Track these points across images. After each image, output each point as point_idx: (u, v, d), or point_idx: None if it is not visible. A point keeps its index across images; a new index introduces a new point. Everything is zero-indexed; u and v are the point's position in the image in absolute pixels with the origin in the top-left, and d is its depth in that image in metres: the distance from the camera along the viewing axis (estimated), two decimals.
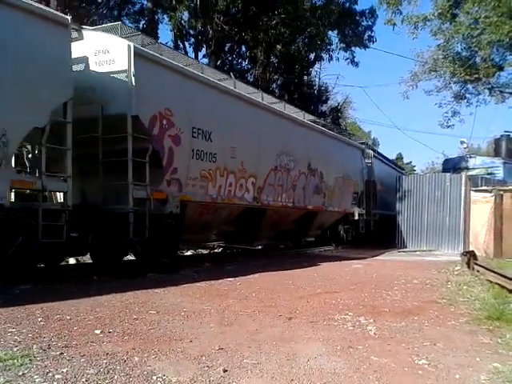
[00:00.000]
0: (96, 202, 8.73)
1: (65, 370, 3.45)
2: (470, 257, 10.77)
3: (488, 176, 20.57)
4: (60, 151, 7.61)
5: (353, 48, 25.56)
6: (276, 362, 3.89)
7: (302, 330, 4.95)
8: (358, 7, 24.96)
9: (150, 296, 6.55)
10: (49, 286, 7.08)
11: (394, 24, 17.84)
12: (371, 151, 20.95)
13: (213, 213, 11.12)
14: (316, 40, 22.95)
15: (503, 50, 19.03)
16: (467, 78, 19.77)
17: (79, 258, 11.08)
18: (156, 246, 9.20)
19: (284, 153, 13.39)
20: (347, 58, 25.90)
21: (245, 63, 26.33)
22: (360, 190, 18.87)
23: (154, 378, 3.43)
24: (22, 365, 3.48)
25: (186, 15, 22.02)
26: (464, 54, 19.83)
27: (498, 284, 7.56)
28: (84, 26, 9.01)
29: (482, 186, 17.19)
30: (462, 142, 32.11)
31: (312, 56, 26.14)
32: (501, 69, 19.99)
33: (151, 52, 9.48)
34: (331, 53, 25.87)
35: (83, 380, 3.30)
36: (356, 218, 18.28)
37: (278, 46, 23.00)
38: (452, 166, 23.47)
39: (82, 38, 8.35)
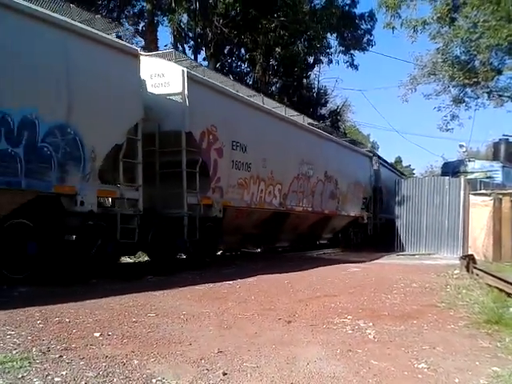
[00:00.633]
0: (154, 207, 9.66)
1: (64, 373, 3.45)
2: (469, 260, 10.77)
3: (487, 180, 20.59)
4: (132, 164, 8.81)
5: (352, 51, 25.60)
6: (275, 366, 3.89)
7: (301, 334, 4.94)
8: (358, 10, 24.98)
9: (149, 299, 6.54)
10: (48, 289, 7.07)
11: (393, 27, 17.86)
12: (378, 159, 22.20)
13: (245, 217, 12.42)
14: (315, 43, 23.00)
15: (502, 53, 19.07)
16: (466, 81, 19.81)
17: None
18: (202, 246, 10.62)
19: (305, 162, 14.78)
20: (346, 62, 25.99)
21: (244, 66, 26.37)
22: (369, 195, 20.13)
23: (154, 380, 3.43)
24: (21, 367, 3.48)
25: (185, 17, 22.13)
26: (463, 57, 19.87)
27: (497, 288, 7.56)
28: (141, 52, 9.84)
29: (480, 189, 17.21)
30: (460, 146, 32.16)
31: (311, 59, 26.18)
32: (499, 72, 20.02)
33: (200, 75, 10.87)
34: (330, 56, 26.01)
35: (83, 383, 3.30)
36: (365, 221, 19.59)
37: (277, 48, 23.04)
38: (451, 169, 23.50)
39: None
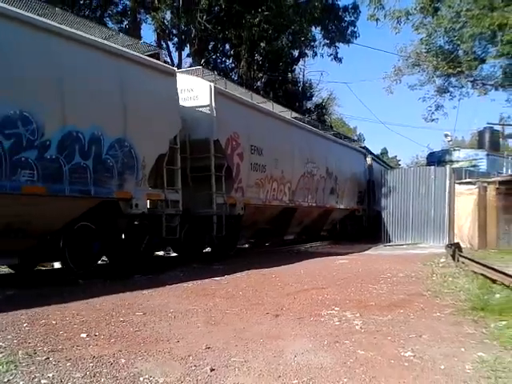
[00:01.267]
0: (187, 207, 10.45)
1: (51, 375, 3.45)
2: (454, 249, 10.86)
3: (472, 168, 20.75)
4: (173, 170, 9.97)
5: (336, 44, 25.63)
6: (263, 360, 3.91)
7: (288, 327, 4.97)
8: (341, 2, 25.41)
9: (136, 298, 6.54)
10: (34, 291, 7.04)
11: (377, 19, 17.81)
12: (370, 155, 23.57)
13: (260, 213, 13.52)
14: (299, 37, 23.01)
15: (485, 42, 19.11)
16: (450, 71, 19.84)
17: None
18: (226, 241, 12.00)
19: (310, 161, 16.02)
20: (331, 54, 26.04)
21: (229, 62, 26.31)
22: (363, 188, 21.22)
23: (141, 379, 3.43)
24: (7, 371, 3.47)
25: (168, 15, 21.96)
26: (446, 47, 19.88)
27: (483, 275, 7.65)
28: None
29: (466, 178, 17.34)
30: (445, 135, 32.43)
31: (296, 53, 26.19)
32: (483, 61, 20.09)
33: (224, 88, 12.02)
34: (315, 49, 26.09)
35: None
36: (360, 213, 20.77)
37: (261, 43, 23.01)
38: (436, 159, 23.63)
39: None
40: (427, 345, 4.36)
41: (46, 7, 7.97)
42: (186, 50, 24.07)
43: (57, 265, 11.01)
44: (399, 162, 59.93)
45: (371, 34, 70.09)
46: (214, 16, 21.81)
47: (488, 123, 26.62)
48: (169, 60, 20.89)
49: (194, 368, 3.69)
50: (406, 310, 5.81)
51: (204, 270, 9.60)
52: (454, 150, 24.70)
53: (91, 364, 3.70)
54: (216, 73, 13.56)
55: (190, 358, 3.92)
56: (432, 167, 18.63)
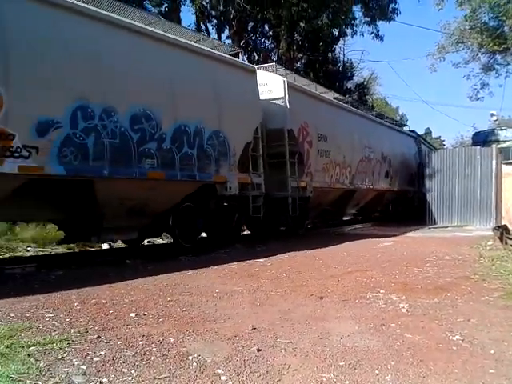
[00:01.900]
0: (265, 190, 11.43)
1: (103, 353, 3.55)
2: (502, 231, 10.60)
3: None
4: (256, 156, 11.19)
5: (377, 22, 25.02)
6: (309, 341, 3.93)
7: (333, 309, 4.97)
8: None
9: (182, 278, 6.65)
10: (83, 271, 7.25)
11: None
12: (420, 138, 25.02)
13: (324, 195, 14.59)
14: (339, 15, 22.51)
15: None
16: (495, 48, 19.21)
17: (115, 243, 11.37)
18: (298, 221, 13.36)
19: (367, 146, 17.20)
20: (372, 33, 25.37)
21: (268, 42, 26.02)
22: (414, 171, 21.82)
23: (190, 358, 3.50)
24: (60, 348, 3.58)
25: None
26: (491, 23, 19.24)
27: None
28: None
29: None
30: (491, 115, 31.39)
31: (336, 32, 25.67)
32: None
33: (294, 83, 13.38)
34: (355, 28, 25.46)
35: (121, 362, 3.39)
36: (411, 195, 21.46)
37: (301, 23, 22.63)
38: (482, 139, 22.91)
39: None
40: (476, 329, 4.28)
41: None
42: (226, 32, 24.02)
43: (105, 245, 11.35)
44: (443, 143, 58.50)
45: (413, 11, 68.33)
46: None
47: None
48: None
49: (241, 348, 3.74)
50: (453, 293, 5.71)
51: (247, 252, 9.67)
52: (501, 129, 23.85)
53: (141, 343, 3.80)
54: (285, 68, 14.34)
55: (237, 338, 3.98)
56: (478, 147, 18.09)
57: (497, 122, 30.82)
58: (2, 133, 6.27)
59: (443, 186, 17.35)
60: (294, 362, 3.47)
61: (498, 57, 21.22)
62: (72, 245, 11.06)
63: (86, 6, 7.61)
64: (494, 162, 16.38)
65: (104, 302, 5.15)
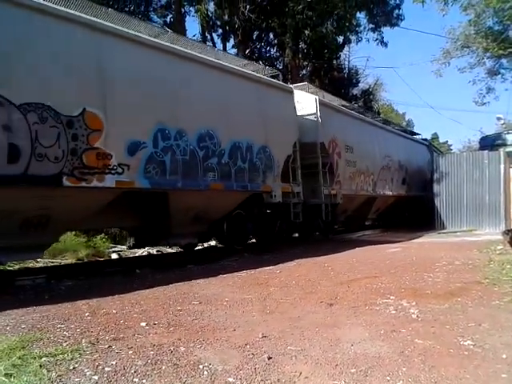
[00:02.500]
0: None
1: (114, 363, 3.56)
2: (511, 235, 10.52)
3: None
4: (295, 168, 12.34)
5: (382, 28, 25.03)
6: (320, 348, 3.92)
7: (343, 316, 4.96)
8: None
9: (191, 287, 6.66)
10: (92, 281, 7.28)
11: (423, 1, 17.34)
12: (432, 146, 26.48)
13: (350, 202, 15.52)
14: (344, 22, 22.54)
15: None
16: (500, 52, 19.12)
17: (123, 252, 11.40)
18: (328, 225, 14.92)
19: (386, 156, 18.45)
20: (376, 39, 25.33)
21: (273, 51, 26.14)
22: (427, 177, 21.87)
23: (201, 367, 3.50)
24: (72, 359, 3.59)
25: (212, 6, 22.00)
26: (496, 28, 19.16)
27: None
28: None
29: None
30: (498, 119, 31.31)
31: (341, 39, 25.72)
32: None
33: (324, 99, 14.61)
34: (360, 34, 25.48)
35: (132, 371, 3.40)
36: (425, 200, 21.46)
37: (305, 31, 22.66)
38: (489, 143, 22.79)
39: None
40: (487, 333, 4.26)
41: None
42: (231, 41, 24.15)
43: (114, 255, 11.40)
44: (450, 147, 58.40)
45: (417, 17, 68.35)
46: (257, 5, 21.67)
47: None
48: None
49: (251, 356, 3.74)
50: (463, 298, 5.68)
51: (255, 260, 9.67)
52: (508, 133, 23.75)
53: (152, 352, 3.80)
54: (315, 86, 15.83)
55: (247, 346, 3.98)
56: (485, 152, 18.00)
57: (504, 126, 30.72)
58: (103, 153, 7.44)
59: (451, 190, 17.31)
60: (304, 370, 3.46)
61: (504, 61, 21.13)
62: (81, 255, 11.13)
63: (175, 46, 9.30)
64: (501, 166, 16.32)
65: (114, 311, 5.17)
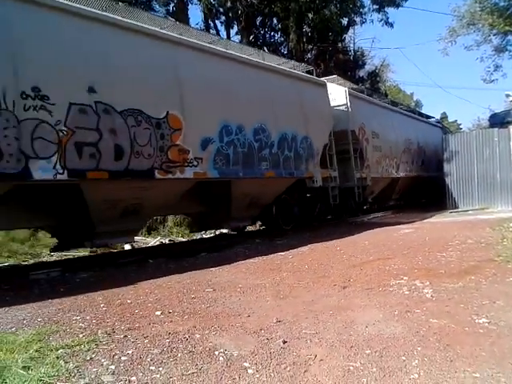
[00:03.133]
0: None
1: (130, 352, 3.58)
2: None
3: None
4: (331, 154, 13.48)
5: (386, 8, 24.74)
6: (334, 331, 3.93)
7: (357, 298, 4.96)
8: None
9: (205, 275, 6.69)
10: (106, 273, 7.34)
11: None
12: (444, 127, 28.12)
13: (377, 184, 16.76)
14: (347, 4, 22.36)
15: None
16: (507, 29, 18.86)
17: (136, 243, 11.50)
18: (359, 205, 16.43)
19: (407, 139, 19.91)
20: (381, 20, 25.04)
21: (277, 36, 25.95)
22: (441, 158, 22.21)
23: (216, 353, 3.52)
24: (88, 350, 3.62)
25: None
26: (502, 4, 18.90)
27: None
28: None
29: None
30: (507, 95, 30.80)
31: (345, 21, 25.45)
32: None
33: (353, 91, 15.98)
34: (364, 16, 25.21)
35: (148, 360, 3.43)
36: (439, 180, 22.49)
37: (309, 14, 22.49)
38: (499, 120, 22.51)
39: None
40: (502, 311, 4.25)
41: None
42: (235, 28, 24.01)
43: (127, 246, 11.48)
44: (460, 126, 57.83)
45: None
46: None
47: None
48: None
49: (266, 341, 3.75)
50: (477, 276, 5.66)
51: (267, 246, 9.68)
52: None
53: (167, 340, 3.83)
54: (344, 79, 16.96)
55: (262, 331, 3.99)
56: (495, 129, 17.76)
57: None
58: (183, 149, 8.66)
59: (462, 169, 17.16)
60: (320, 352, 3.48)
61: (510, 37, 20.86)
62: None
63: (234, 53, 10.66)
64: (511, 143, 16.13)
65: (129, 301, 5.20)
